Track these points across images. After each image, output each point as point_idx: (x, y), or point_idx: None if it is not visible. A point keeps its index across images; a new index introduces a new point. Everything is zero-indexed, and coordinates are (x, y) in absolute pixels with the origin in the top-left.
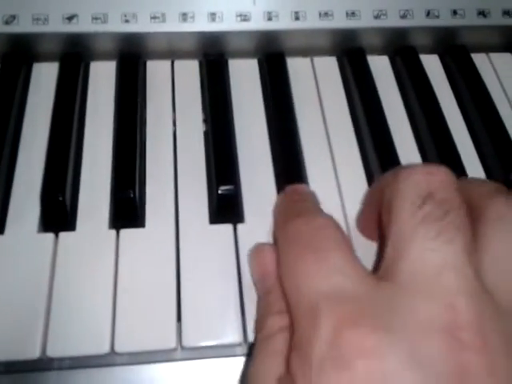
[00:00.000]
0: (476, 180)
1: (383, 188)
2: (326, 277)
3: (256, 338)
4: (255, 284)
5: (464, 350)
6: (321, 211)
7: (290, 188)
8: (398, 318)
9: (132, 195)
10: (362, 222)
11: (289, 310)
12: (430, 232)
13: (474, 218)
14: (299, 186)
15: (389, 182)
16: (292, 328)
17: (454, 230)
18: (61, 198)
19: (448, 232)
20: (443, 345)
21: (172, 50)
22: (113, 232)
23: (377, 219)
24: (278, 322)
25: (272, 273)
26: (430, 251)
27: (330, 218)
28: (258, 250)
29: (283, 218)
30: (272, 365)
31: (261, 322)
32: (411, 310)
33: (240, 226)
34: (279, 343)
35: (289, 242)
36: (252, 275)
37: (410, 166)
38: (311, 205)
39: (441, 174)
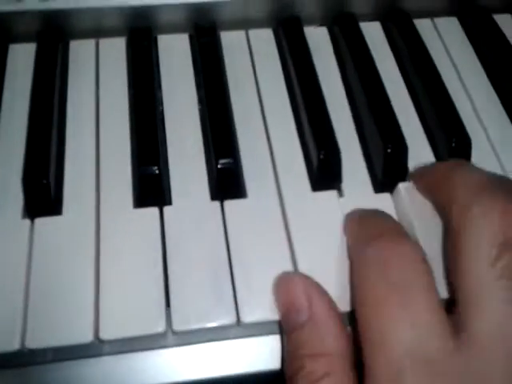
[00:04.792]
0: None
1: (451, 198)
2: (410, 327)
3: (296, 379)
4: (282, 317)
5: None
6: (405, 233)
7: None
8: None
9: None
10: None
11: (361, 347)
12: (509, 292)
13: None
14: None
15: (458, 198)
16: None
17: None
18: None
19: None
20: None
21: None
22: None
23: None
24: (320, 366)
25: (304, 307)
26: (509, 317)
27: (417, 245)
28: (285, 279)
29: (360, 235)
30: None
31: (296, 363)
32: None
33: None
34: None
35: (369, 269)
36: (278, 307)
37: (483, 196)
38: (393, 223)
39: None
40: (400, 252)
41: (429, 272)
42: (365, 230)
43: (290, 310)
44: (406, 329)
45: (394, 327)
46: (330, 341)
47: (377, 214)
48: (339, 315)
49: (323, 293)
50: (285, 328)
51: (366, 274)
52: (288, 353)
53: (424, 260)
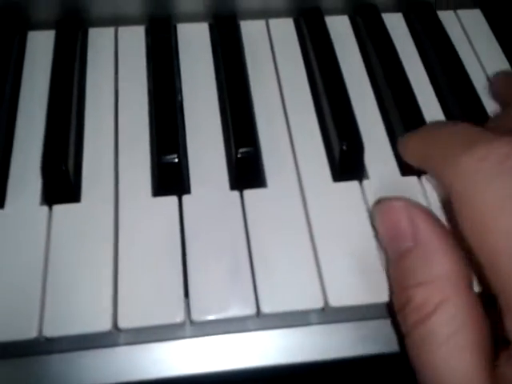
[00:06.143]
0: None
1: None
2: None
3: (404, 314)
4: (384, 246)
5: None
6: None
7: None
8: None
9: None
10: None
11: (483, 275)
12: None
13: None
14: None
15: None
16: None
17: None
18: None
19: None
20: None
21: None
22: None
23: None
24: (432, 294)
25: (408, 233)
26: None
27: None
28: (386, 207)
29: (446, 146)
30: (463, 357)
31: (403, 295)
32: None
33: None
34: (447, 324)
35: (468, 183)
36: (380, 236)
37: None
38: (479, 129)
39: None
40: (499, 156)
41: None
42: (450, 139)
43: (394, 237)
44: None
45: None
46: (439, 264)
47: (451, 123)
48: (448, 235)
49: (428, 215)
50: (390, 257)
51: (464, 189)
52: (394, 284)
53: None
